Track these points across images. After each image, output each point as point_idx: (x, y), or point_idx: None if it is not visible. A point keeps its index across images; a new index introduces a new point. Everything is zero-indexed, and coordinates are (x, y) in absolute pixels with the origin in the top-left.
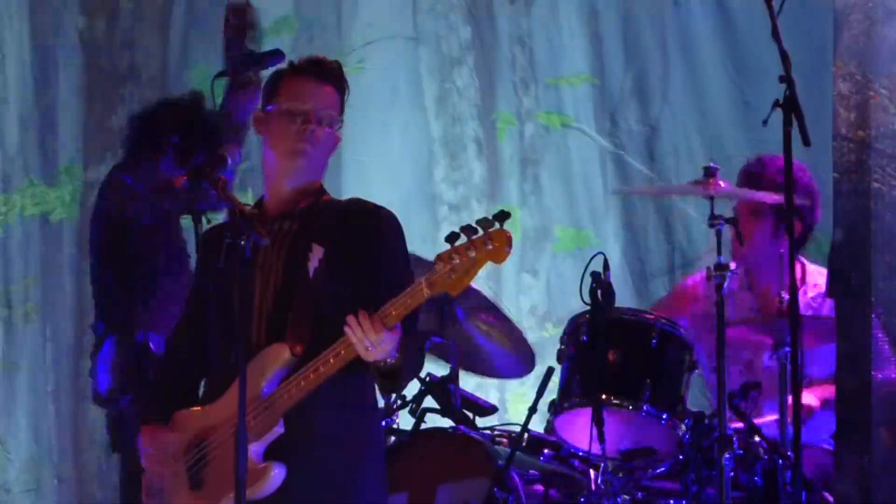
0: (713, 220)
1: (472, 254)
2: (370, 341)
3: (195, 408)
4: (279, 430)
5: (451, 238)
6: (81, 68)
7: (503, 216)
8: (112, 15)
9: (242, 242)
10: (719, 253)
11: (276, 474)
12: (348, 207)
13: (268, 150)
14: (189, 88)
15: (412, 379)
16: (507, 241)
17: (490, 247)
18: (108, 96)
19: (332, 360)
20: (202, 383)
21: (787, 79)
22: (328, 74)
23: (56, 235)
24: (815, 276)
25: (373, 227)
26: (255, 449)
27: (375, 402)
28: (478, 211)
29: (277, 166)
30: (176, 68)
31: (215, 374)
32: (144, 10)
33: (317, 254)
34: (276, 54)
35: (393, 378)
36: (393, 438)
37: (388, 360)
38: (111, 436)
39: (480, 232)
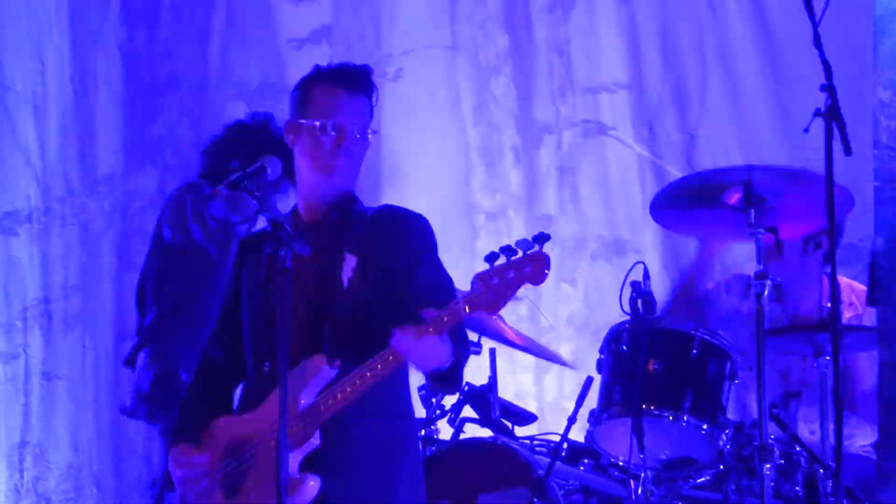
0: (752, 228)
1: (511, 275)
2: (420, 354)
3: (232, 416)
4: (315, 441)
5: (491, 258)
6: (121, 78)
7: (542, 238)
8: (152, 25)
9: (282, 253)
10: (759, 261)
11: (312, 486)
12: (379, 215)
13: (300, 161)
14: (229, 98)
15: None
16: (546, 263)
17: (528, 269)
18: (148, 106)
19: (368, 375)
20: (237, 393)
21: (828, 87)
22: (357, 83)
23: (96, 245)
24: (848, 294)
25: (404, 232)
26: (290, 460)
27: (412, 410)
28: (515, 219)
29: (310, 179)
30: (216, 78)
31: (252, 384)
32: (184, 20)
33: (350, 263)
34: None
35: (450, 380)
36: (433, 448)
37: (443, 366)
38: None
39: (519, 254)
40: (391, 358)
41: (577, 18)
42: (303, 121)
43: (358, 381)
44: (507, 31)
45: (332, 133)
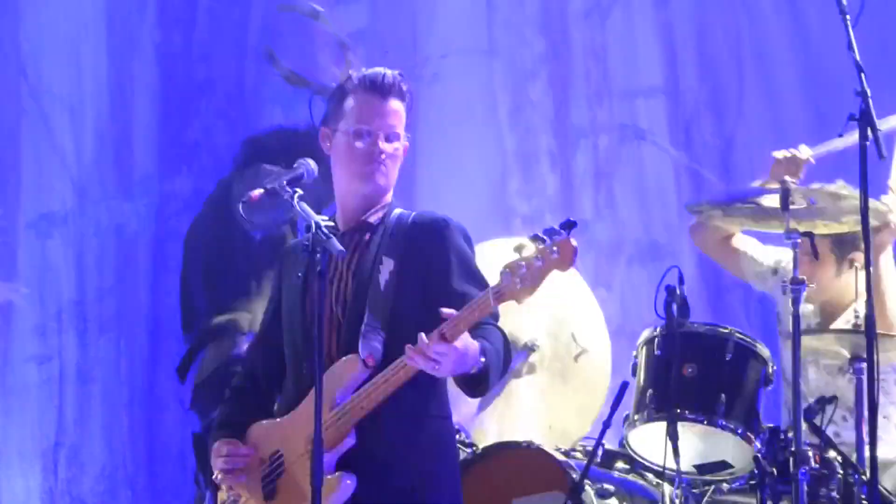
0: (789, 233)
1: (539, 263)
2: (436, 359)
3: (268, 422)
4: (350, 441)
5: (519, 248)
6: (157, 81)
7: (569, 225)
8: (188, 28)
9: (318, 256)
10: (795, 267)
11: (347, 485)
12: (417, 220)
13: (336, 168)
14: (266, 101)
15: (500, 379)
16: (573, 250)
17: (556, 256)
18: (184, 109)
19: (400, 373)
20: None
21: (862, 92)
22: (391, 90)
23: (131, 248)
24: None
25: (440, 237)
26: (326, 459)
27: (449, 413)
28: (552, 223)
29: (347, 186)
30: (252, 81)
31: (290, 386)
32: (221, 23)
33: (387, 266)
34: None
35: (480, 383)
36: (469, 451)
37: (474, 368)
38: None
39: (547, 241)
40: (405, 366)
41: (614, 23)
42: (337, 128)
43: (391, 379)
44: (543, 35)
45: (367, 140)
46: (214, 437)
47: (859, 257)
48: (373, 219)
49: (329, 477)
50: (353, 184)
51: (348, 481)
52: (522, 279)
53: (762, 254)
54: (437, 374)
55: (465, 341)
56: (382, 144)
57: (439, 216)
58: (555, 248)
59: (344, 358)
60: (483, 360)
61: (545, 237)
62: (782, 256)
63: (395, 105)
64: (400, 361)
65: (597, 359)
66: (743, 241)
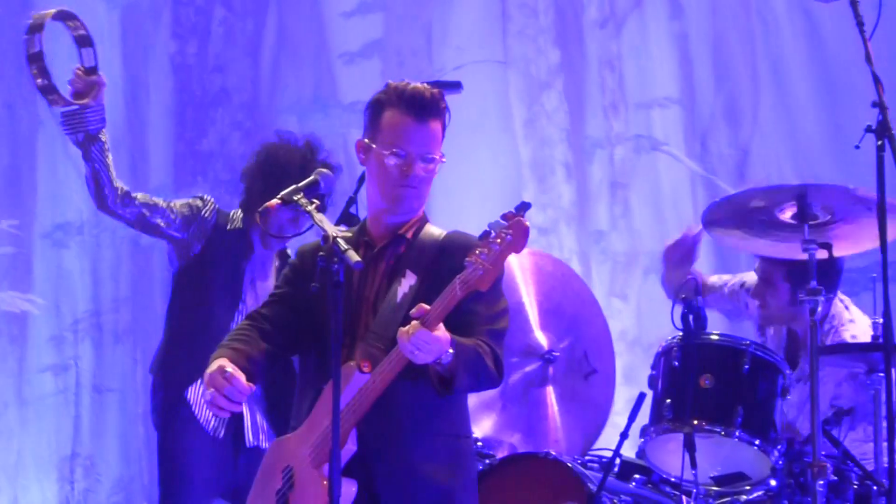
0: (806, 244)
1: (496, 248)
2: (414, 343)
3: (283, 437)
4: (352, 447)
5: (484, 236)
6: (172, 92)
7: (523, 207)
8: (203, 39)
9: (335, 267)
10: (812, 277)
11: (346, 492)
12: (447, 239)
13: (369, 181)
14: (281, 112)
15: (483, 388)
16: (525, 230)
17: (509, 238)
18: (199, 119)
19: (381, 375)
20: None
21: (879, 103)
22: (428, 112)
23: (146, 258)
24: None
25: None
26: (327, 468)
27: (469, 431)
28: (566, 235)
29: (378, 202)
30: (267, 92)
31: (303, 397)
32: (235, 34)
33: (409, 280)
34: (456, 86)
35: (450, 381)
36: (485, 463)
37: (443, 360)
38: None
39: (504, 224)
40: (395, 356)
41: (629, 34)
42: (372, 144)
43: (379, 377)
44: (558, 46)
45: (401, 163)
46: (220, 354)
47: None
48: (402, 231)
49: (325, 483)
50: (385, 203)
51: (346, 488)
52: (484, 265)
53: (728, 277)
54: (415, 360)
55: (439, 332)
56: (417, 168)
57: (470, 238)
58: (509, 231)
59: (344, 366)
60: (451, 350)
61: (503, 221)
62: (747, 278)
63: (433, 126)
64: (384, 361)
65: (604, 379)
66: (710, 278)
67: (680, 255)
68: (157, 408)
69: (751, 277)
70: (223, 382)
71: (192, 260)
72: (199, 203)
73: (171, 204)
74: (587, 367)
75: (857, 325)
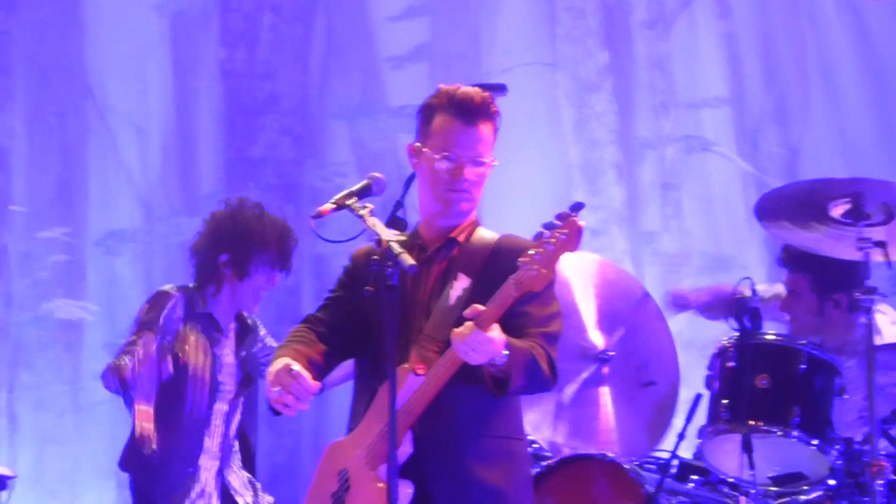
0: (861, 243)
1: (550, 248)
2: (469, 344)
3: (339, 440)
4: (407, 449)
5: (538, 237)
6: (222, 98)
7: (577, 206)
8: (252, 45)
9: (389, 270)
10: (867, 277)
11: (402, 493)
12: (499, 243)
13: (421, 184)
14: (330, 117)
15: (537, 390)
16: (579, 230)
17: (563, 238)
18: (249, 126)
19: (436, 376)
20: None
21: None
22: (478, 115)
23: None
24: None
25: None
26: (382, 469)
27: (523, 434)
28: (618, 236)
29: (429, 206)
30: (316, 97)
31: (359, 400)
32: (284, 41)
33: (462, 283)
34: (500, 88)
35: (504, 381)
36: (541, 465)
37: (497, 361)
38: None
39: (558, 224)
40: (449, 357)
41: (678, 34)
42: (423, 148)
43: (433, 379)
44: (607, 47)
45: (452, 167)
46: (281, 354)
47: (843, 298)
48: (461, 237)
49: (380, 485)
50: (437, 206)
51: (408, 489)
52: (538, 265)
53: (762, 287)
54: (469, 361)
55: (494, 333)
56: (467, 172)
57: (523, 241)
58: (563, 230)
59: (398, 368)
60: (505, 352)
61: (556, 221)
62: (779, 289)
63: (484, 130)
64: (438, 363)
65: (663, 392)
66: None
67: (681, 302)
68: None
69: (781, 289)
70: (290, 380)
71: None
72: (165, 300)
73: (139, 340)
74: (645, 378)
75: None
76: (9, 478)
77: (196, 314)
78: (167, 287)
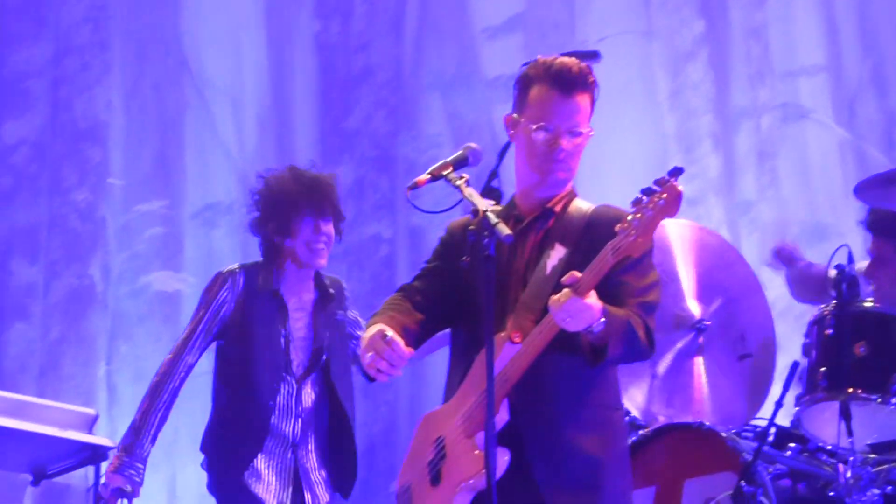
0: None
1: (649, 213)
2: (566, 311)
3: (435, 409)
4: (504, 416)
5: (636, 202)
6: (317, 71)
7: (676, 171)
8: (346, 17)
9: (485, 240)
10: None
11: (499, 461)
12: (596, 213)
13: (518, 155)
14: (424, 88)
15: (635, 359)
16: (678, 195)
17: (663, 203)
18: (344, 98)
19: (533, 343)
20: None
21: None
22: (575, 86)
23: None
24: None
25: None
26: (479, 437)
27: (620, 403)
28: (714, 205)
29: (526, 177)
30: (410, 69)
31: (455, 369)
32: (378, 12)
33: (558, 252)
34: (593, 55)
35: (601, 350)
36: (638, 434)
37: (594, 328)
38: None
39: (657, 189)
40: (546, 325)
41: (774, 2)
42: (520, 118)
43: (530, 346)
44: (702, 16)
45: (548, 137)
46: (376, 321)
47: None
48: (558, 207)
49: (477, 452)
50: (532, 176)
51: (505, 457)
52: (637, 230)
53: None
54: (566, 328)
55: (591, 300)
56: (564, 142)
57: (619, 211)
58: (662, 196)
59: (495, 337)
60: (603, 319)
61: (655, 187)
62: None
63: (581, 100)
64: (535, 330)
65: (760, 363)
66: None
67: (781, 261)
68: (215, 487)
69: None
70: (384, 346)
71: (228, 326)
72: (216, 286)
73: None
74: (742, 350)
75: None
76: (109, 448)
77: (257, 292)
78: (227, 268)
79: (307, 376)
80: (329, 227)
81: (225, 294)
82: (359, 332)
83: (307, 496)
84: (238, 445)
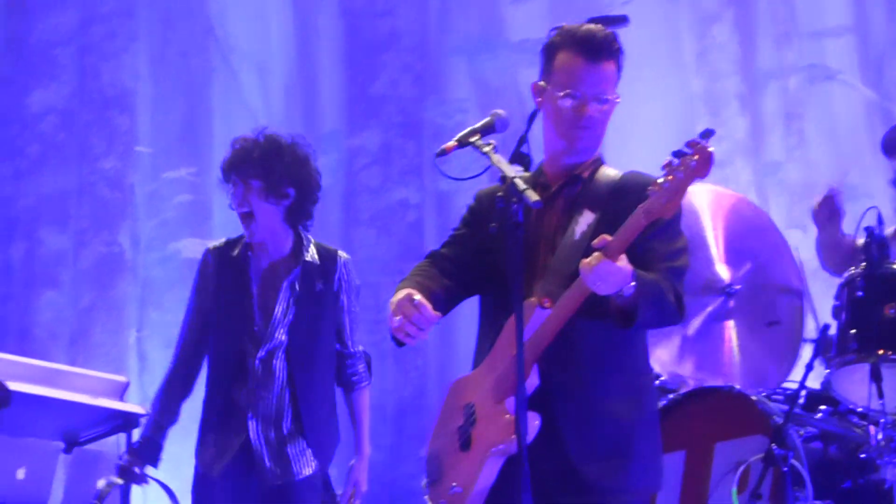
0: None
1: (680, 175)
2: (597, 274)
3: (464, 376)
4: (535, 381)
5: (667, 165)
6: (342, 36)
7: (707, 133)
8: None
9: (514, 207)
10: None
11: (534, 425)
12: (624, 179)
13: (545, 122)
14: (450, 53)
15: (665, 324)
16: (709, 156)
17: (694, 165)
18: (370, 64)
19: (563, 307)
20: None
21: None
22: (601, 52)
23: (321, 202)
24: None
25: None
26: (509, 402)
27: (650, 369)
28: (742, 167)
29: (553, 143)
30: (435, 35)
31: (484, 336)
32: None
33: (587, 219)
34: (622, 20)
35: (631, 313)
36: (668, 398)
37: (624, 292)
38: None
39: (688, 151)
40: (576, 289)
41: None
42: (547, 86)
43: (557, 315)
44: None
45: (574, 104)
46: (404, 285)
47: None
48: (585, 174)
49: (508, 417)
50: (559, 143)
51: (535, 421)
52: (666, 192)
53: None
54: (597, 291)
55: (622, 263)
56: (591, 109)
57: (647, 177)
58: (693, 157)
59: (523, 302)
60: (633, 283)
61: (685, 149)
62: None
63: (607, 67)
64: (566, 293)
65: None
66: None
67: (828, 212)
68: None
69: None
70: (412, 310)
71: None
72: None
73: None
74: (772, 316)
75: None
76: (140, 415)
77: (228, 265)
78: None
79: (274, 348)
80: (249, 193)
81: (204, 269)
82: (350, 304)
83: (270, 465)
84: (214, 425)
